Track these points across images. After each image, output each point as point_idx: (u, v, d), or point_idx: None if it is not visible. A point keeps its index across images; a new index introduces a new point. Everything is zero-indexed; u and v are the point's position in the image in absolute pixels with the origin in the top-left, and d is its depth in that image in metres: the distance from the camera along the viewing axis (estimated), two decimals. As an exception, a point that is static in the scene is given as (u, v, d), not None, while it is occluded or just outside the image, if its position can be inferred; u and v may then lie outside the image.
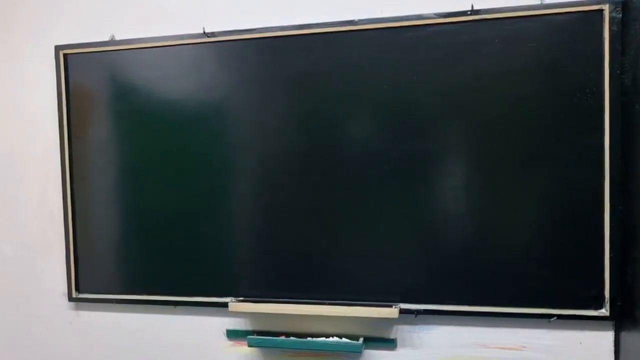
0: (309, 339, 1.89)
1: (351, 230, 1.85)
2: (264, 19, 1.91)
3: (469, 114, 1.74)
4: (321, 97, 1.85)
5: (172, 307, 2.04)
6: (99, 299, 2.10)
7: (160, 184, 2.01)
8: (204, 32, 1.93)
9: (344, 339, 1.88)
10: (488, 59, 1.71)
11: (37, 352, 2.22)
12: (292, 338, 1.91)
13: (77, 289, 2.12)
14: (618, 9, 1.60)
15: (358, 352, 1.85)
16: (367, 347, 1.88)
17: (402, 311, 1.80)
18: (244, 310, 1.93)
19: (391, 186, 1.81)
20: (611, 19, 1.60)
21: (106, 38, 2.05)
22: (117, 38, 2.04)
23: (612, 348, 1.70)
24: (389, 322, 1.86)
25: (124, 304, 2.09)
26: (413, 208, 1.80)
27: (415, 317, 1.82)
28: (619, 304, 1.64)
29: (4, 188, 2.21)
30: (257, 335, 1.95)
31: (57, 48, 2.07)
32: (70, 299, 2.13)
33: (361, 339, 1.86)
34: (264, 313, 1.93)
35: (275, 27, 1.88)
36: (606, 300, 1.66)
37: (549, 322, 1.72)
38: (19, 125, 2.18)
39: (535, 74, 1.69)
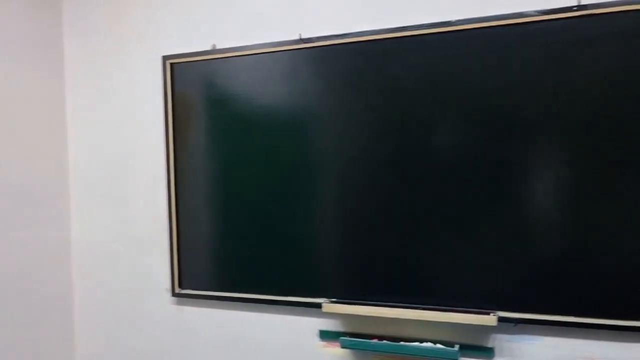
0: (402, 343, 1.88)
1: (448, 234, 1.81)
2: (358, 23, 1.93)
3: (572, 116, 1.65)
4: (416, 100, 1.83)
5: (268, 305, 2.10)
6: (199, 295, 2.21)
7: (256, 186, 2.08)
8: (300, 38, 1.98)
9: (438, 345, 1.85)
10: (595, 57, 1.62)
11: (142, 342, 2.37)
12: (385, 341, 1.90)
13: (180, 285, 2.24)
14: None
15: (454, 359, 1.81)
16: (463, 355, 1.83)
17: (500, 319, 1.73)
18: (337, 312, 1.95)
19: (488, 190, 1.76)
20: None
21: (208, 47, 2.15)
22: (218, 47, 2.14)
23: None
24: (486, 330, 1.81)
25: (223, 301, 2.18)
26: (512, 213, 1.73)
27: (515, 326, 1.75)
28: None
29: (116, 190, 2.38)
30: (351, 337, 1.96)
31: (164, 58, 2.21)
32: (174, 294, 2.25)
33: (457, 346, 1.82)
34: (357, 315, 1.94)
35: (369, 30, 1.89)
36: None
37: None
38: (130, 130, 2.35)
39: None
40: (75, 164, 2.48)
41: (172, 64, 2.19)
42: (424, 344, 1.86)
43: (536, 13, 1.68)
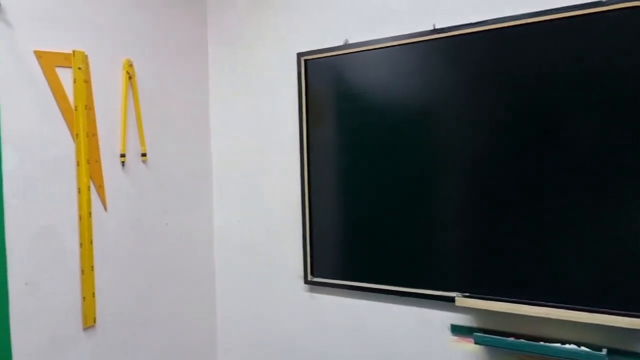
0: (542, 343, 1.79)
1: (596, 230, 1.69)
2: (495, 9, 1.86)
3: None
4: (558, 90, 1.73)
5: (398, 297, 2.12)
6: (331, 283, 2.28)
7: (386, 178, 2.10)
8: (434, 29, 1.96)
9: (583, 348, 1.73)
10: None
11: (276, 325, 2.51)
12: (522, 340, 1.83)
13: (312, 273, 2.33)
14: None
15: (601, 364, 1.69)
16: (612, 360, 1.71)
17: (657, 324, 1.59)
18: (471, 306, 1.91)
19: (636, 182, 1.61)
20: None
21: (340, 42, 2.21)
22: (350, 41, 2.19)
23: None
24: (638, 334, 1.66)
25: (353, 290, 2.23)
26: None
27: (675, 332, 1.59)
28: None
29: (254, 180, 2.54)
30: (483, 333, 1.91)
31: (299, 55, 2.30)
32: (306, 281, 2.35)
33: (604, 350, 1.69)
34: (492, 311, 1.88)
35: (508, 17, 1.82)
36: None
37: None
38: (266, 125, 2.49)
39: None
40: (217, 157, 2.68)
41: (306, 61, 2.28)
42: (568, 346, 1.75)
43: None
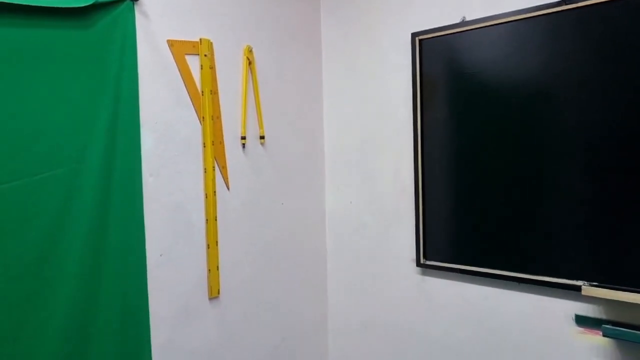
0: (683, 339, 1.64)
1: None
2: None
3: None
4: None
5: (516, 283, 2.04)
6: (443, 267, 2.25)
7: (501, 161, 2.02)
8: (563, 0, 1.83)
9: None
10: None
11: (387, 307, 2.52)
12: (660, 335, 1.69)
13: (424, 256, 2.31)
14: None
15: None
16: None
17: None
18: (599, 296, 1.79)
19: None
20: None
21: (457, 20, 2.14)
22: (468, 18, 2.11)
23: None
24: None
25: (466, 275, 2.18)
26: None
27: None
28: None
29: (365, 164, 2.56)
30: (612, 325, 1.79)
31: (413, 35, 2.27)
32: (418, 264, 2.34)
33: None
34: (623, 302, 1.75)
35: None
36: None
37: None
38: (379, 107, 2.49)
39: None
40: (329, 140, 2.73)
41: (420, 40, 2.24)
42: None
43: None
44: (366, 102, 2.54)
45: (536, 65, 1.91)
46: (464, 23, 2.11)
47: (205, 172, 2.09)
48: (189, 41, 2.04)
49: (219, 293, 2.15)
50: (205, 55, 2.07)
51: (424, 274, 2.37)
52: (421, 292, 2.38)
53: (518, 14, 1.95)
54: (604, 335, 1.79)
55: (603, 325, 1.79)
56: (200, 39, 2.07)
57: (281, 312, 2.49)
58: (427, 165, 2.27)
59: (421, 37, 2.24)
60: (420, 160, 2.28)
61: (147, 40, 1.90)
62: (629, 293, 1.72)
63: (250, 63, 2.28)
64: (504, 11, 2.00)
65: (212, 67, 2.12)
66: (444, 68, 2.19)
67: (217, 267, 2.13)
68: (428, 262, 2.30)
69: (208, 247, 2.10)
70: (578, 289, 1.84)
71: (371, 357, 2.60)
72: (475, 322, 2.20)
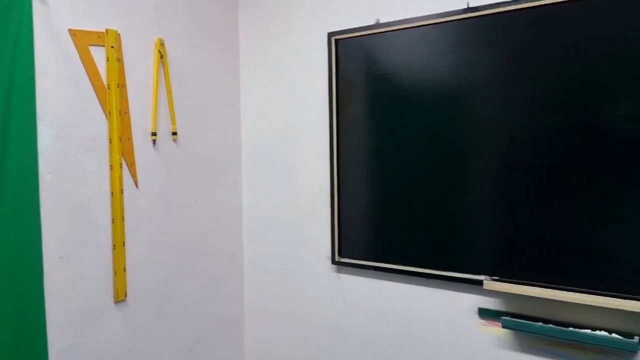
0: (571, 329, 1.76)
1: (631, 215, 1.65)
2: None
3: None
4: (600, 70, 1.67)
5: (425, 279, 2.11)
6: (358, 264, 2.29)
7: (415, 161, 2.08)
8: (468, 7, 1.91)
9: (614, 335, 1.70)
10: None
11: (302, 304, 2.52)
12: (551, 325, 1.80)
13: (339, 254, 2.34)
14: None
15: (633, 351, 1.66)
16: (644, 348, 1.68)
17: (694, 313, 1.55)
18: (499, 290, 1.89)
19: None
20: None
21: (372, 22, 2.18)
22: (382, 21, 2.15)
23: None
24: (674, 323, 1.62)
25: (380, 271, 2.23)
26: None
27: None
28: None
29: (282, 162, 2.55)
30: (511, 317, 1.89)
31: (330, 35, 2.28)
32: (333, 262, 2.36)
33: (636, 338, 1.66)
34: (521, 295, 1.86)
35: (547, -6, 1.76)
36: None
37: None
38: (296, 106, 2.48)
39: None
40: (247, 137, 2.69)
41: (336, 40, 2.26)
42: (598, 332, 1.72)
43: None
44: (284, 100, 2.53)
45: (445, 68, 1.98)
46: (378, 25, 2.15)
47: (111, 169, 1.99)
48: (93, 31, 1.93)
49: (125, 296, 2.06)
50: (112, 47, 1.98)
51: (339, 271, 2.39)
52: (336, 289, 2.41)
53: (427, 19, 2.01)
54: (503, 327, 1.89)
55: (502, 317, 1.89)
56: (107, 30, 1.97)
57: (195, 313, 2.43)
58: (342, 163, 2.30)
59: (337, 37, 2.25)
60: (335, 158, 2.30)
61: (46, 29, 1.78)
62: (525, 286, 1.83)
63: (162, 56, 2.20)
64: (414, 16, 2.05)
65: (120, 60, 2.02)
66: (359, 68, 2.22)
67: (124, 268, 2.04)
68: (343, 260, 2.33)
69: (114, 248, 2.00)
70: (481, 283, 1.92)
71: (288, 355, 2.60)
72: (388, 317, 2.25)
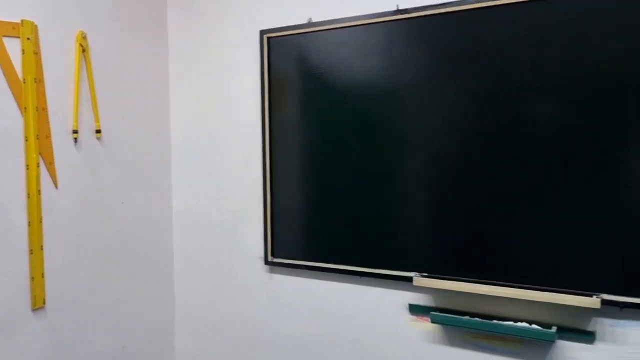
0: (495, 321, 1.84)
1: (547, 210, 1.74)
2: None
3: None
4: (520, 72, 1.75)
5: (358, 277, 2.13)
6: (290, 264, 2.27)
7: (348, 159, 2.10)
8: (397, 9, 1.95)
9: (534, 326, 1.79)
10: None
11: (236, 306, 2.48)
12: (476, 319, 1.87)
13: (272, 254, 2.32)
14: None
15: (550, 340, 1.74)
16: (561, 338, 1.77)
17: (604, 302, 1.65)
18: (428, 286, 1.94)
19: (592, 165, 1.66)
20: None
21: (304, 21, 2.18)
22: (314, 20, 2.15)
23: None
24: (587, 312, 1.72)
25: (313, 271, 2.23)
26: (620, 188, 1.63)
27: (621, 309, 1.65)
28: None
29: (214, 161, 2.49)
30: (441, 312, 1.95)
31: (262, 32, 2.25)
32: (266, 262, 2.34)
33: (554, 328, 1.75)
34: (449, 290, 1.92)
35: (471, -1, 1.82)
36: None
37: None
38: (228, 104, 2.44)
39: None
40: (176, 136, 2.61)
41: (269, 38, 2.24)
42: (519, 324, 1.80)
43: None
44: (216, 99, 2.47)
45: (376, 68, 2.01)
46: (310, 24, 2.15)
47: (27, 169, 1.87)
48: (7, 22, 1.80)
49: (44, 303, 1.94)
50: (28, 39, 1.86)
51: (272, 271, 2.37)
52: (270, 289, 2.39)
53: (358, 20, 2.03)
54: (432, 322, 1.94)
55: (431, 312, 1.94)
56: (22, 20, 1.84)
57: (122, 319, 2.33)
58: (275, 163, 2.28)
59: (269, 35, 2.23)
60: (268, 157, 2.28)
61: (-48, 16, 1.65)
62: (452, 282, 1.89)
63: (84, 50, 2.09)
64: (346, 16, 2.07)
65: (37, 53, 1.90)
66: (292, 67, 2.21)
67: (42, 274, 1.92)
68: (276, 260, 2.31)
69: (31, 253, 1.88)
70: (412, 280, 1.96)
71: (221, 358, 2.55)
72: (322, 316, 2.25)
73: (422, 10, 1.90)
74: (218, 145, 2.48)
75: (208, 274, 2.56)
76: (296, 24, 2.18)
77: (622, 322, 1.68)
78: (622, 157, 1.62)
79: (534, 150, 1.75)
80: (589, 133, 1.66)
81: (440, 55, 1.88)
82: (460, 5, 1.83)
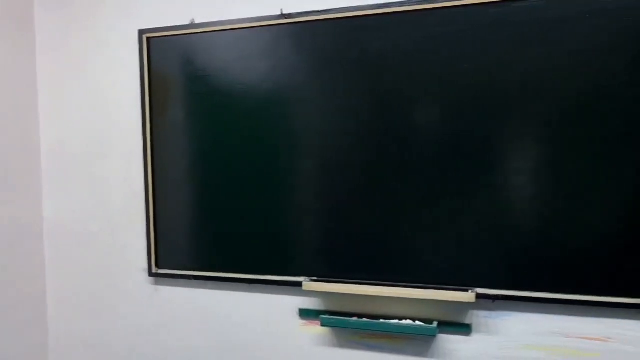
0: (381, 320, 1.89)
1: (426, 212, 1.82)
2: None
3: (552, 96, 1.67)
4: (399, 78, 1.83)
5: (247, 285, 2.09)
6: (177, 274, 2.18)
7: (235, 164, 2.05)
8: (282, 14, 1.94)
9: (417, 322, 1.86)
10: (578, 36, 1.63)
11: (117, 323, 2.33)
12: (364, 319, 1.91)
13: (157, 265, 2.21)
14: None
15: (432, 335, 1.83)
16: (442, 332, 1.86)
17: (478, 296, 1.76)
18: (317, 290, 1.95)
19: (467, 169, 1.77)
20: None
21: (186, 21, 2.10)
22: (197, 21, 2.09)
23: None
24: (464, 306, 1.83)
25: (201, 281, 2.16)
26: (491, 191, 1.75)
27: (493, 302, 1.78)
28: None
29: (91, 167, 2.33)
30: (330, 315, 1.97)
31: (141, 32, 2.14)
32: (150, 274, 2.22)
33: (435, 323, 1.84)
34: (337, 293, 1.95)
35: (353, 7, 1.86)
36: None
37: (640, 312, 1.64)
38: (105, 107, 2.29)
39: (630, 53, 1.59)
40: (47, 142, 2.41)
41: (148, 39, 2.13)
42: (404, 321, 1.87)
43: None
44: (92, 102, 2.31)
45: (262, 72, 1.99)
46: (193, 25, 2.08)
47: None
48: None
49: None
50: None
51: (157, 283, 2.26)
52: (155, 302, 2.27)
53: (243, 23, 2.00)
54: (322, 325, 1.95)
55: (321, 316, 1.95)
56: None
57: (-16, 345, 2.09)
58: (158, 169, 2.17)
59: (149, 35, 2.13)
60: (150, 163, 2.17)
61: None
62: (339, 284, 1.92)
63: None
64: (230, 18, 2.03)
65: None
66: (175, 69, 2.12)
67: None
68: (161, 271, 2.20)
69: None
70: (301, 285, 1.96)
71: (103, 380, 2.38)
72: (211, 327, 2.19)
73: (305, 16, 1.91)
74: (95, 151, 2.32)
75: (87, 290, 2.38)
76: (178, 24, 2.10)
77: (494, 313, 1.81)
78: (495, 160, 1.74)
79: (412, 153, 1.82)
80: (464, 137, 1.77)
81: (323, 60, 1.91)
82: (342, 12, 1.87)
